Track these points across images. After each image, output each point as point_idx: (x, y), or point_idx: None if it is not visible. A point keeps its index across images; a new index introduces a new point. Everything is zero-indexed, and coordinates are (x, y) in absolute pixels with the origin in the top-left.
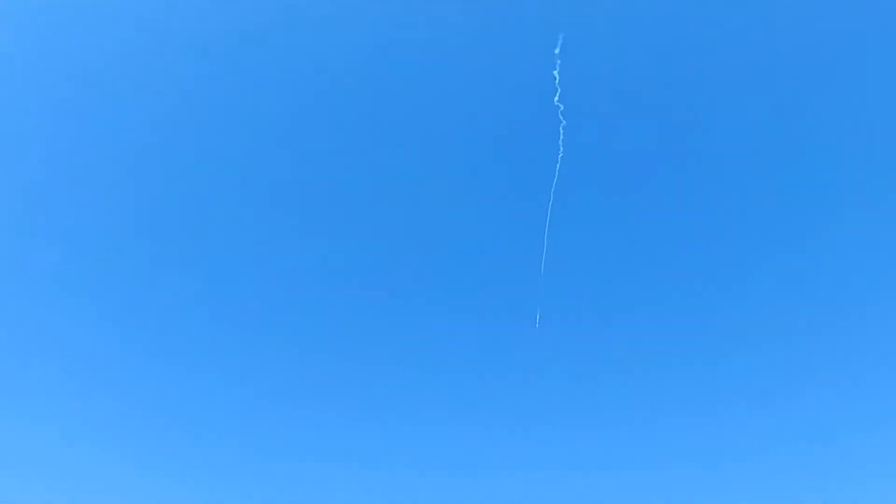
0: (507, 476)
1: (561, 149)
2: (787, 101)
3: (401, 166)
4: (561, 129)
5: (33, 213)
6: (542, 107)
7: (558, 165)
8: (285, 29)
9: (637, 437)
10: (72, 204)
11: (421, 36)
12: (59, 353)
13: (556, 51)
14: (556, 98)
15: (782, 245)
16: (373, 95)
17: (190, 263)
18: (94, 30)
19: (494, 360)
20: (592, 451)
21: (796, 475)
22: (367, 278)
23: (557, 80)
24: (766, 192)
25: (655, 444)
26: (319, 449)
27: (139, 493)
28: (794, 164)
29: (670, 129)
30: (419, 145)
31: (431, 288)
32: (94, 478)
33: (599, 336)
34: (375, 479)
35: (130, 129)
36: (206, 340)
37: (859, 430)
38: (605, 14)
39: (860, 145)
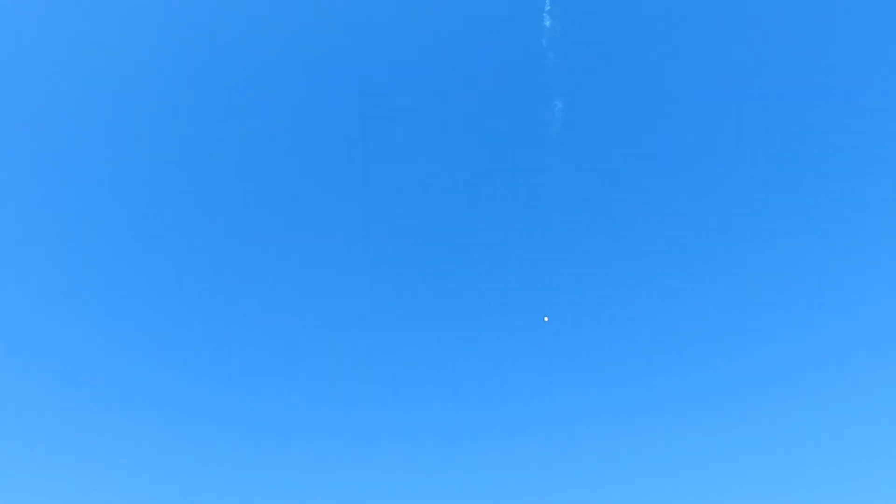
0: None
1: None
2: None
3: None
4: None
5: (29, 213)
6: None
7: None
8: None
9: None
10: (69, 203)
11: None
12: (56, 352)
13: None
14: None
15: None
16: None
17: (186, 260)
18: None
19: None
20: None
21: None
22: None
23: None
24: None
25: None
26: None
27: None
28: None
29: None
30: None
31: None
32: (93, 477)
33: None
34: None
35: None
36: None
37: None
38: None
39: (858, 146)
